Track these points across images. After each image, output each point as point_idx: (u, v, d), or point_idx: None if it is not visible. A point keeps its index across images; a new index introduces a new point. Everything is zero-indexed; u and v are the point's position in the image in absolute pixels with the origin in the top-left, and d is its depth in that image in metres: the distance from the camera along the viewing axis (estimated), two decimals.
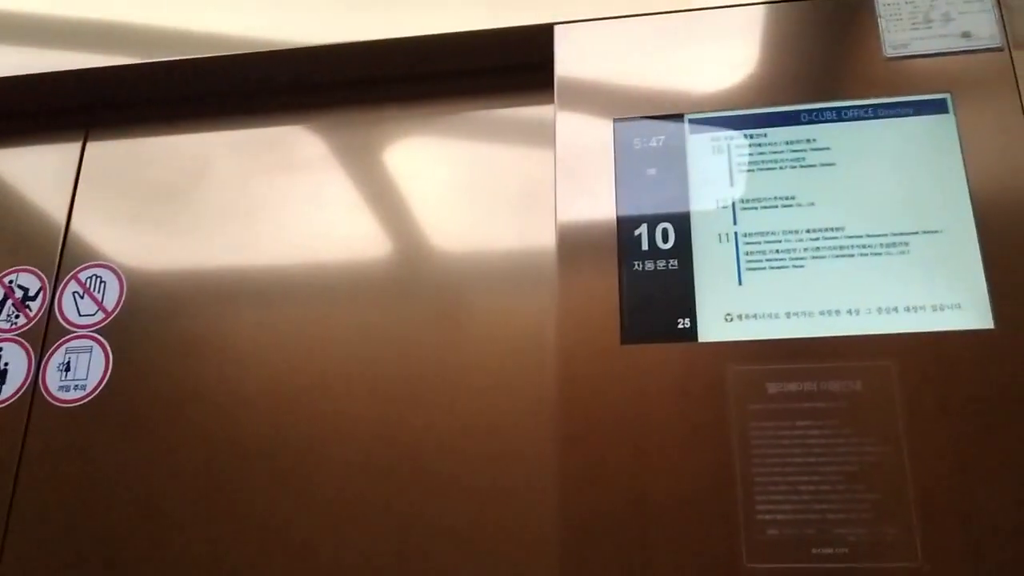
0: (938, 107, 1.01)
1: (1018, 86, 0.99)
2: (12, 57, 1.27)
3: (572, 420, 0.95)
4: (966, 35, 1.03)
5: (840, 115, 1.03)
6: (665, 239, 1.01)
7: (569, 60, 1.12)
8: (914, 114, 1.01)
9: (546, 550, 0.98)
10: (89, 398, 1.14)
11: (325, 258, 1.17)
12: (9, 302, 1.21)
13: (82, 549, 1.08)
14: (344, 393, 1.10)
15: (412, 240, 1.17)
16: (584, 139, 1.07)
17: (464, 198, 1.18)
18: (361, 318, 1.13)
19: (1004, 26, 1.03)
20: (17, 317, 1.20)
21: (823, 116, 1.03)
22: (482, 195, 1.17)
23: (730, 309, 0.97)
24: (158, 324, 1.18)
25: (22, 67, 1.25)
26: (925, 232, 0.96)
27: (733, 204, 1.01)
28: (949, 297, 0.93)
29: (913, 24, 1.04)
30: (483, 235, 1.15)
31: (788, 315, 0.96)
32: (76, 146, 1.31)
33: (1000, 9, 1.03)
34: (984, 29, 1.03)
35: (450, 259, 1.16)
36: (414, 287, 1.14)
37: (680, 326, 0.97)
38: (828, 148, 1.02)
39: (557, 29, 1.13)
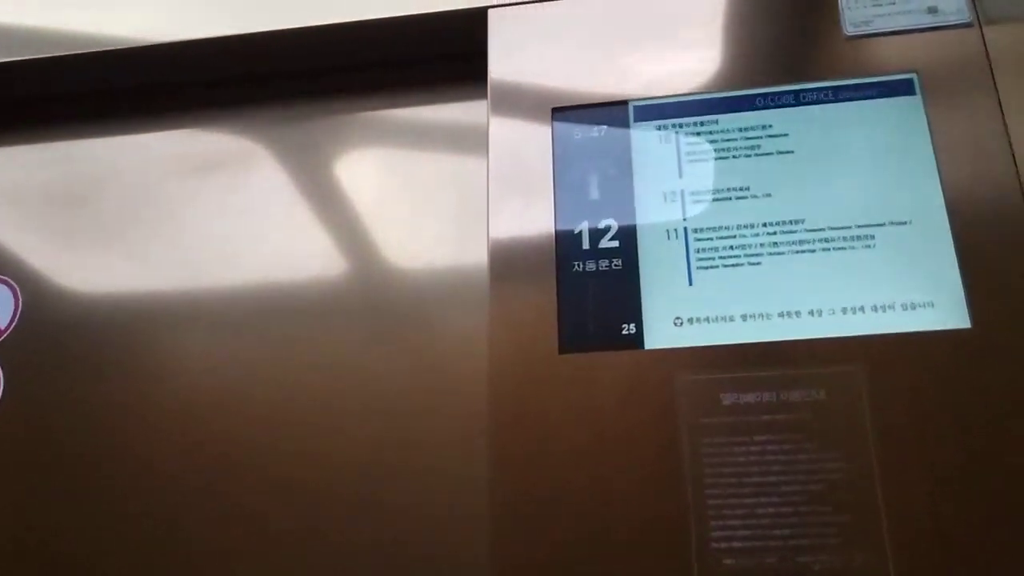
0: (904, 88, 0.92)
1: (990, 64, 0.91)
2: None
3: (503, 439, 0.84)
4: (932, 10, 0.94)
5: (798, 99, 0.94)
6: (608, 237, 0.91)
7: (504, 47, 1.03)
8: (878, 96, 0.92)
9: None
10: None
11: (239, 269, 1.07)
12: None
13: None
14: (258, 412, 0.99)
15: (337, 251, 1.07)
16: (520, 131, 0.98)
17: (392, 200, 1.08)
18: (280, 333, 1.03)
19: (973, 0, 0.94)
20: None
21: (780, 100, 0.94)
22: (412, 195, 1.07)
23: (679, 312, 0.87)
24: (56, 342, 1.06)
25: None
26: (892, 224, 0.87)
27: (682, 197, 0.92)
28: (920, 295, 0.84)
29: (875, 0, 0.96)
30: (413, 242, 1.05)
31: (744, 318, 0.86)
32: None
33: None
34: (952, 4, 0.94)
35: (379, 270, 1.06)
36: (339, 301, 1.04)
37: (624, 332, 0.87)
38: (786, 135, 0.93)
39: (491, 13, 1.04)
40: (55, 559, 0.97)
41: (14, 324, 1.07)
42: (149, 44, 1.09)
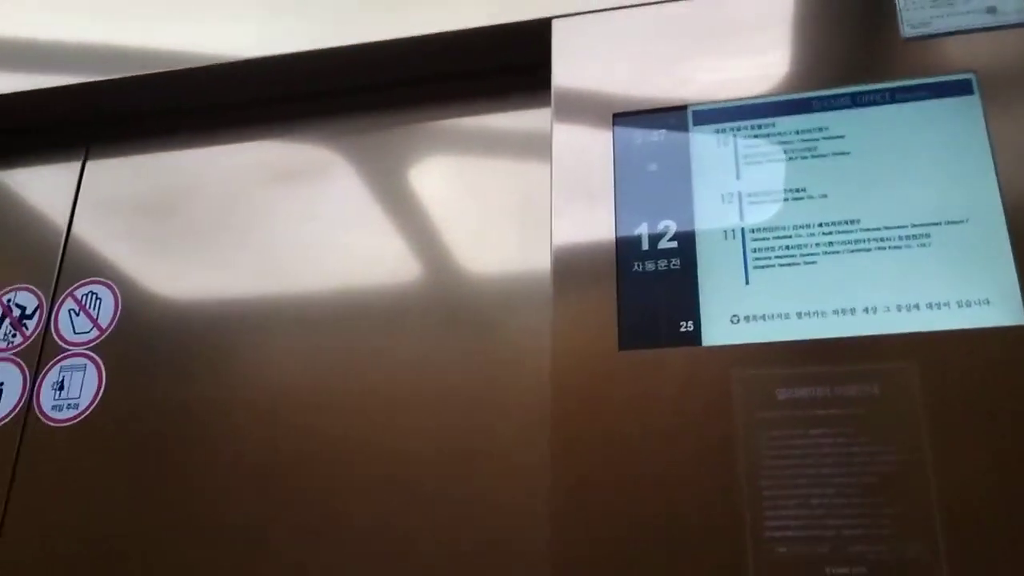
0: (962, 88, 0.93)
1: None
2: (13, 74, 1.26)
3: (565, 433, 0.89)
4: (991, 10, 0.95)
5: (855, 101, 0.96)
6: (667, 238, 0.95)
7: (567, 55, 1.07)
8: (935, 96, 0.94)
9: (541, 570, 0.91)
10: (82, 417, 1.12)
11: (321, 272, 1.13)
12: (7, 321, 1.19)
13: (72, 571, 1.05)
14: (338, 408, 1.05)
15: (409, 254, 1.13)
16: (582, 136, 1.02)
17: (460, 206, 1.13)
18: (357, 332, 1.09)
19: None
20: (14, 336, 1.18)
21: (837, 103, 0.96)
22: (479, 201, 1.12)
23: (736, 310, 0.90)
24: (152, 341, 1.14)
25: (24, 83, 1.24)
26: (948, 223, 0.88)
27: (739, 198, 0.95)
28: (976, 292, 0.85)
29: (934, 1, 0.97)
30: (481, 245, 1.10)
31: (799, 315, 0.88)
32: (77, 163, 1.29)
33: None
34: (1011, 3, 0.95)
35: (449, 273, 1.11)
36: (410, 301, 1.10)
37: (683, 329, 0.90)
38: (842, 136, 0.95)
39: (555, 23, 1.08)
40: (149, 545, 1.04)
41: (115, 324, 1.16)
42: (234, 61, 1.17)
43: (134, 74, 1.21)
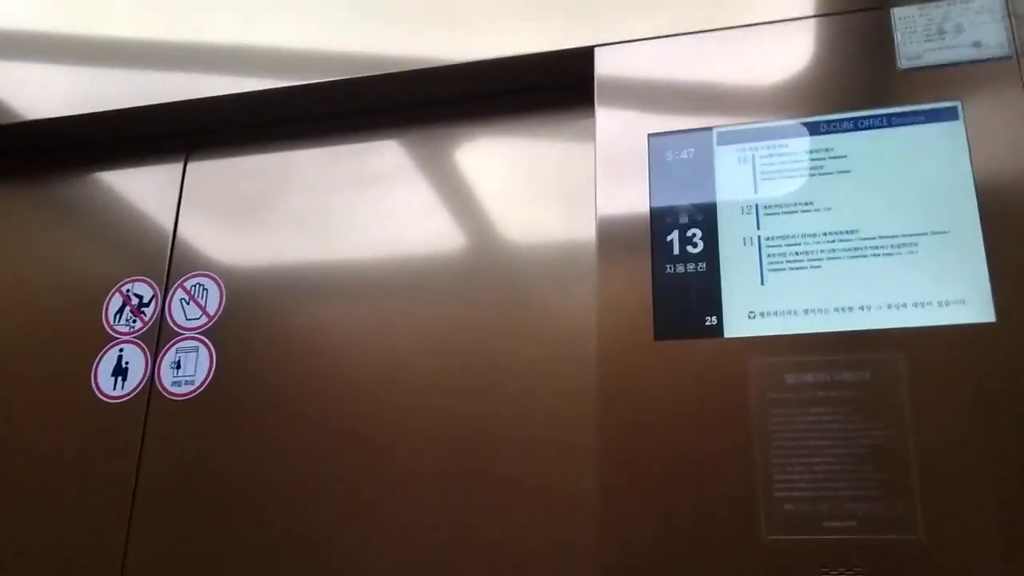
0: (949, 115, 1.09)
1: None
2: (121, 89, 1.44)
3: (611, 408, 1.07)
4: (976, 45, 1.10)
5: (857, 124, 1.12)
6: (694, 244, 1.12)
7: (608, 79, 1.23)
8: (926, 122, 1.09)
9: (588, 514, 1.10)
10: (197, 392, 1.32)
11: (398, 257, 1.32)
12: (127, 309, 1.39)
13: (196, 523, 1.26)
14: (414, 380, 1.25)
15: (473, 243, 1.31)
16: (622, 152, 1.19)
17: (515, 203, 1.30)
18: (430, 311, 1.27)
19: (1013, 35, 1.09)
20: (134, 322, 1.38)
21: (841, 126, 1.12)
22: (531, 201, 1.30)
23: (753, 307, 1.08)
24: (254, 324, 1.34)
25: (130, 99, 1.43)
26: (933, 233, 1.05)
27: (757, 210, 1.12)
28: (954, 293, 1.02)
29: (927, 36, 1.12)
30: (534, 236, 1.28)
31: (806, 312, 1.06)
32: (178, 167, 1.48)
33: (1010, 19, 1.10)
34: (994, 38, 1.10)
35: (506, 257, 1.28)
36: (475, 284, 1.28)
37: (707, 323, 1.08)
38: (845, 156, 1.11)
39: (597, 51, 1.24)
40: (255, 494, 1.25)
41: (221, 311, 1.35)
42: (315, 83, 1.34)
43: (227, 93, 1.39)
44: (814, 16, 1.17)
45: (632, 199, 1.16)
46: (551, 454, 1.17)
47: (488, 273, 1.29)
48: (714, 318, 1.08)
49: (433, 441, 1.22)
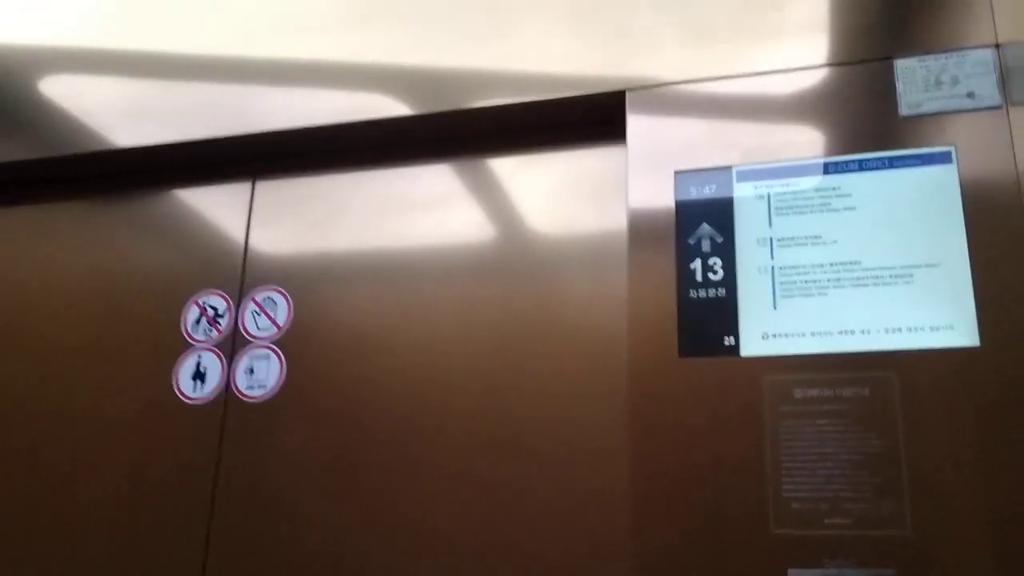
0: (943, 159, 1.22)
1: (1012, 138, 1.20)
2: (198, 120, 1.60)
3: (640, 417, 1.22)
4: (971, 95, 1.23)
5: (861, 166, 1.25)
6: (715, 271, 1.26)
7: (638, 121, 1.37)
8: (923, 164, 1.23)
9: (615, 507, 1.26)
10: (270, 396, 1.48)
11: (449, 273, 1.47)
12: (204, 319, 1.56)
13: (271, 512, 1.42)
14: (464, 384, 1.40)
15: (516, 263, 1.46)
16: (650, 187, 1.33)
17: (554, 226, 1.45)
18: (479, 322, 1.43)
19: (1003, 86, 1.22)
20: (211, 331, 1.55)
21: (847, 167, 1.26)
22: (569, 224, 1.44)
23: (766, 329, 1.22)
24: (319, 334, 1.50)
25: (207, 131, 1.59)
26: (927, 265, 1.19)
27: (771, 242, 1.26)
28: (944, 319, 1.16)
29: (926, 86, 1.25)
30: (570, 255, 1.43)
31: (813, 334, 1.20)
32: (247, 187, 1.64)
33: (1001, 72, 1.23)
34: (986, 89, 1.23)
35: (543, 274, 1.43)
36: (514, 294, 1.43)
37: (726, 343, 1.23)
38: (850, 195, 1.25)
39: (628, 95, 1.39)
40: (321, 485, 1.41)
41: (289, 322, 1.52)
42: (383, 118, 1.50)
43: (290, 128, 1.55)
44: (825, 66, 1.31)
45: (659, 229, 1.30)
46: (579, 440, 1.32)
47: (527, 288, 1.43)
48: (732, 338, 1.23)
49: (481, 439, 1.37)
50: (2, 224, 1.78)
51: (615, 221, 1.40)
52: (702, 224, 1.29)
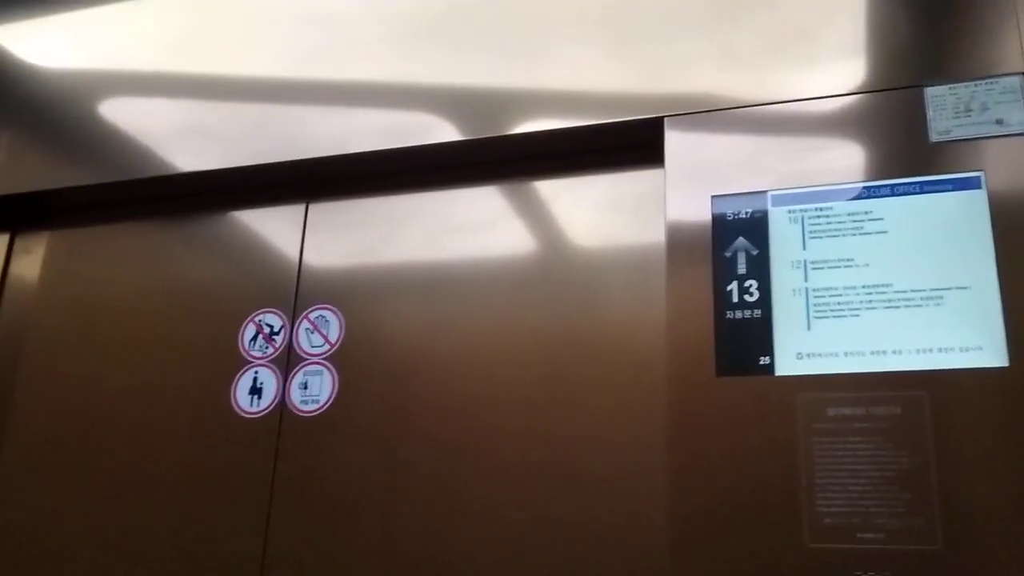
0: (973, 184, 1.26)
1: None
2: (253, 147, 1.68)
3: (679, 435, 1.27)
4: (999, 122, 1.27)
5: (893, 191, 1.29)
6: (751, 293, 1.31)
7: (676, 146, 1.42)
8: (953, 189, 1.27)
9: (657, 528, 1.31)
10: (323, 409, 1.55)
11: (498, 294, 1.53)
12: (260, 336, 1.63)
13: (326, 521, 1.50)
14: (512, 397, 1.46)
15: (559, 285, 1.52)
16: (688, 211, 1.38)
17: (596, 243, 1.51)
18: (524, 339, 1.49)
19: None
20: (267, 348, 1.62)
21: (879, 192, 1.30)
22: (610, 240, 1.50)
23: (800, 349, 1.27)
24: (370, 350, 1.57)
25: (261, 157, 1.67)
26: (957, 288, 1.23)
27: (805, 265, 1.30)
28: (973, 340, 1.20)
29: (956, 113, 1.29)
30: (611, 272, 1.48)
31: (846, 354, 1.25)
32: (301, 209, 1.72)
33: None
34: (1015, 116, 1.27)
35: (584, 293, 1.49)
36: (560, 316, 1.49)
37: (761, 362, 1.28)
38: (882, 218, 1.29)
39: (667, 120, 1.44)
40: (378, 495, 1.48)
41: (341, 340, 1.59)
42: (422, 145, 1.57)
43: (340, 153, 1.62)
44: (857, 93, 1.35)
45: (696, 251, 1.36)
46: (619, 456, 1.38)
47: (569, 307, 1.49)
48: (767, 358, 1.28)
49: (523, 454, 1.43)
50: (71, 245, 1.87)
51: (654, 242, 1.46)
52: (738, 247, 1.34)
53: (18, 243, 1.92)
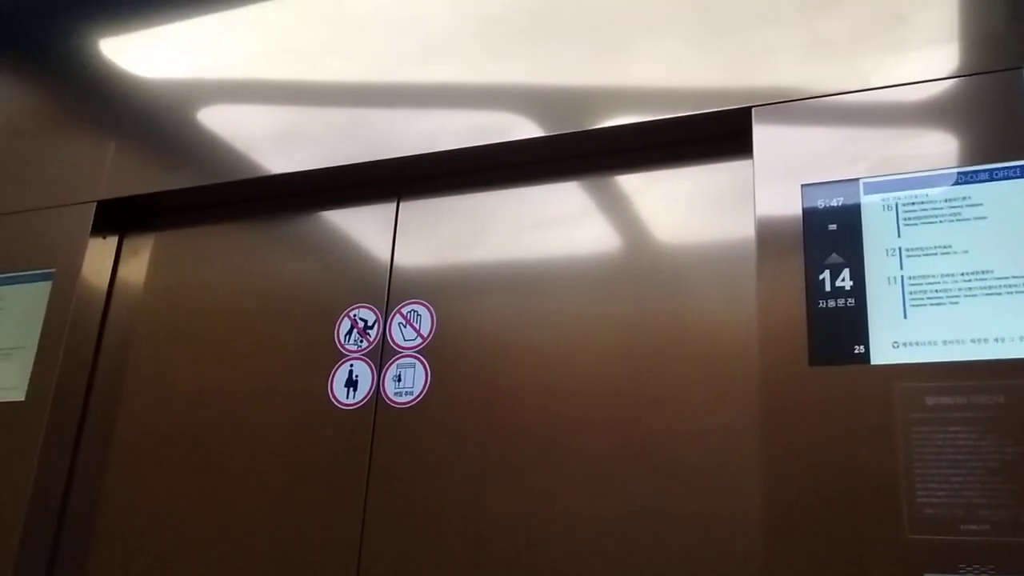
0: None
1: None
2: (344, 148, 1.73)
3: (773, 425, 1.27)
4: None
5: (992, 176, 1.26)
6: (844, 281, 1.30)
7: (764, 135, 1.41)
8: None
9: (751, 521, 1.30)
10: (416, 401, 1.59)
11: (584, 285, 1.55)
12: (355, 331, 1.68)
13: (421, 509, 1.53)
14: (597, 388, 1.48)
15: (648, 274, 1.52)
16: (777, 201, 1.37)
17: (682, 237, 1.51)
18: (611, 331, 1.50)
19: None
20: (361, 342, 1.67)
21: (977, 177, 1.27)
22: (697, 233, 1.50)
23: (897, 338, 1.25)
24: (460, 344, 1.60)
25: (353, 157, 1.72)
26: None
27: (900, 252, 1.28)
28: None
29: None
30: (701, 265, 1.48)
31: (944, 343, 1.22)
32: (392, 207, 1.76)
33: None
34: None
35: (676, 283, 1.49)
36: (649, 302, 1.49)
37: (856, 351, 1.26)
38: (981, 204, 1.26)
39: (754, 110, 1.43)
40: (464, 486, 1.51)
41: (433, 333, 1.62)
42: (510, 141, 1.59)
43: (429, 152, 1.66)
44: (952, 77, 1.32)
45: (787, 241, 1.35)
46: (710, 445, 1.38)
47: (657, 299, 1.50)
48: (862, 347, 1.26)
49: (613, 445, 1.44)
50: (175, 247, 1.96)
51: (743, 233, 1.45)
52: (830, 236, 1.33)
53: (126, 245, 2.01)
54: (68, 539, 1.79)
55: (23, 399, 1.82)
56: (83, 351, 1.89)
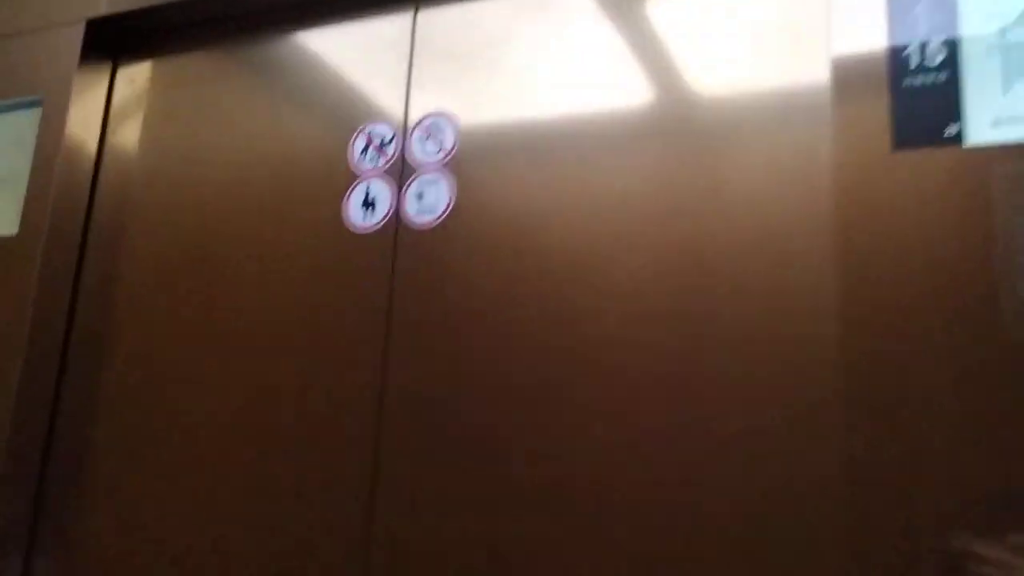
0: None
1: None
2: None
3: (849, 220, 1.11)
4: None
5: None
6: (935, 54, 1.12)
7: None
8: None
9: (827, 335, 1.16)
10: (439, 221, 1.44)
11: (617, 88, 1.37)
12: (371, 148, 1.52)
13: (444, 337, 1.40)
14: (630, 214, 1.32)
15: (694, 98, 1.34)
16: None
17: (727, 37, 1.32)
18: (633, 163, 1.33)
19: None
20: (378, 159, 1.51)
21: None
22: (746, 32, 1.31)
23: (997, 115, 1.07)
24: (485, 159, 1.44)
25: None
26: None
27: (1001, 17, 1.10)
28: None
29: None
30: (749, 73, 1.30)
31: None
32: (409, 16, 1.57)
33: None
34: None
35: (718, 99, 1.31)
36: (684, 126, 1.32)
37: (948, 133, 1.09)
38: None
39: None
40: (494, 314, 1.37)
41: (456, 147, 1.46)
42: None
43: None
44: None
45: (868, 11, 1.16)
46: (781, 297, 1.22)
47: (711, 127, 1.32)
48: (954, 127, 1.09)
49: (650, 274, 1.29)
50: (175, 72, 1.79)
51: (807, 22, 1.26)
52: (919, 3, 1.14)
53: (120, 73, 1.84)
54: (74, 365, 1.69)
55: (15, 232, 1.69)
56: (78, 182, 1.74)
